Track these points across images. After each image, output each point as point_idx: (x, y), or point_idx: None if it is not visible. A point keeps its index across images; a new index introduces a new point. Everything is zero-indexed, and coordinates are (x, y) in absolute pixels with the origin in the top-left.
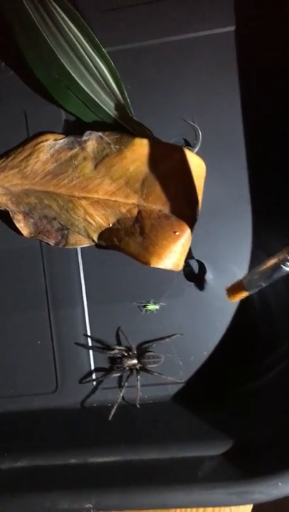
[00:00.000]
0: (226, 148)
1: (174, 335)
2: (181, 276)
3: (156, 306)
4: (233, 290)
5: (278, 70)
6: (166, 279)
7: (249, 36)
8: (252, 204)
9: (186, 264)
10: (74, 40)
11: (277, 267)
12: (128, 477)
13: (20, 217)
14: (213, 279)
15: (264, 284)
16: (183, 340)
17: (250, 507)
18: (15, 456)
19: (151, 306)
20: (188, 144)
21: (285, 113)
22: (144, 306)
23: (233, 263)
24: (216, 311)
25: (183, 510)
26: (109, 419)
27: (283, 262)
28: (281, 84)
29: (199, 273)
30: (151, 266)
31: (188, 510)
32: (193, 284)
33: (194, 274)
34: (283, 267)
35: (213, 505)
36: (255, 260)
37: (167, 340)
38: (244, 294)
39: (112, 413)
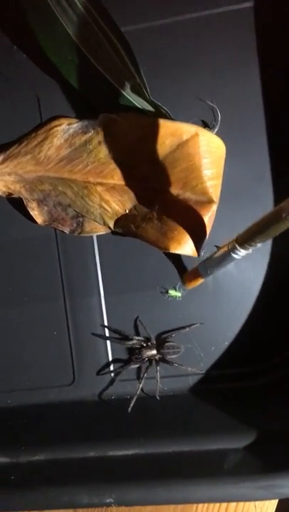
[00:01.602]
0: (246, 129)
1: (194, 324)
2: None
3: (179, 293)
4: (189, 277)
5: None
6: (185, 267)
7: (267, 12)
8: (273, 185)
9: (207, 251)
10: (89, 19)
11: (227, 255)
12: (149, 470)
13: (34, 204)
14: (234, 267)
15: (216, 271)
16: (203, 329)
17: (274, 504)
18: (32, 449)
19: (173, 293)
20: (206, 125)
21: None
22: (167, 292)
23: (254, 250)
24: (237, 300)
25: (205, 506)
26: (129, 411)
27: (232, 250)
28: None
29: None
30: (170, 251)
31: (211, 506)
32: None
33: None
34: (232, 254)
35: (240, 500)
36: (276, 246)
37: (187, 329)
38: (199, 281)
39: (131, 405)
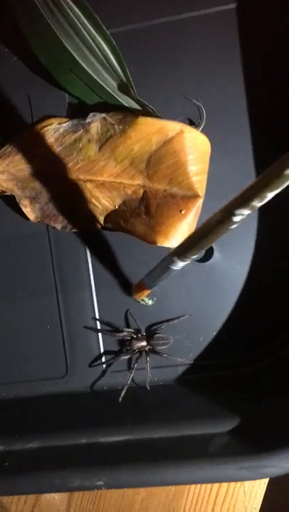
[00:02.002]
0: (230, 127)
1: (183, 316)
2: None
3: (150, 302)
4: (136, 289)
5: (280, 46)
6: None
7: (250, 13)
8: None
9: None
10: (76, 22)
11: (166, 268)
12: (138, 455)
13: (26, 202)
14: (220, 258)
15: (160, 282)
16: (191, 321)
17: (263, 490)
18: (26, 438)
19: (146, 300)
20: (192, 123)
21: None
22: (143, 300)
23: (239, 243)
24: (224, 292)
25: (196, 493)
26: (120, 401)
27: (170, 263)
28: (284, 61)
29: (206, 253)
30: (158, 245)
31: (202, 493)
32: (200, 264)
33: (201, 254)
34: (171, 267)
35: (225, 481)
36: (261, 239)
37: (176, 321)
38: (147, 292)
39: (122, 394)
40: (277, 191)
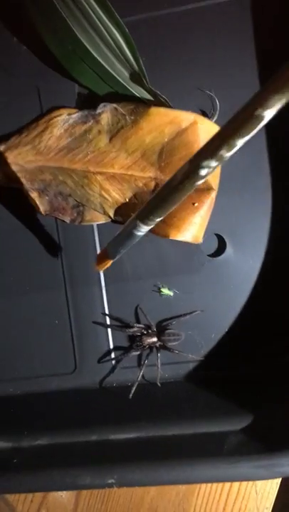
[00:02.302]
0: None
1: (195, 312)
2: (201, 251)
3: (171, 293)
4: (99, 259)
5: None
6: (185, 255)
7: (266, 1)
8: (272, 175)
9: (206, 239)
10: (89, 10)
11: (130, 234)
12: (151, 452)
13: (35, 194)
14: (233, 253)
15: (123, 251)
16: (203, 317)
17: (275, 489)
18: (35, 434)
19: (166, 291)
20: (205, 115)
21: None
22: (159, 289)
23: (253, 236)
24: (237, 287)
25: (207, 492)
26: (130, 397)
27: (134, 228)
28: None
29: (219, 248)
30: (170, 238)
31: (213, 491)
32: (213, 259)
33: (214, 248)
34: (135, 232)
35: (240, 480)
36: (275, 233)
37: (187, 317)
38: (109, 262)
39: (133, 391)
40: (247, 137)
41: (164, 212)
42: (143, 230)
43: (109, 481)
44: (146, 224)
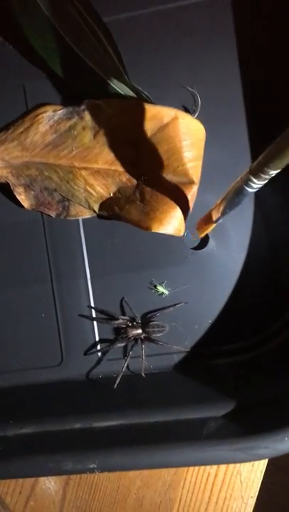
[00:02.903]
0: (225, 114)
1: (178, 304)
2: (184, 244)
3: (166, 291)
4: (201, 224)
5: (274, 33)
6: (168, 248)
7: (246, 1)
8: None
9: (188, 233)
10: (72, 10)
11: (240, 191)
12: (132, 438)
13: (21, 189)
14: (215, 246)
15: (229, 211)
16: (187, 309)
17: (260, 478)
18: (20, 424)
19: (161, 289)
20: (187, 110)
21: (284, 77)
22: (155, 287)
23: (235, 230)
24: (220, 279)
25: (192, 482)
26: (114, 387)
27: (246, 182)
28: (278, 48)
29: (202, 241)
30: (153, 231)
31: (198, 482)
32: (195, 252)
33: (197, 242)
34: (246, 187)
35: (218, 463)
36: (257, 226)
37: (171, 309)
38: (212, 226)
39: (117, 381)
40: None
41: (282, 164)
42: (255, 185)
43: (91, 466)
44: (259, 178)
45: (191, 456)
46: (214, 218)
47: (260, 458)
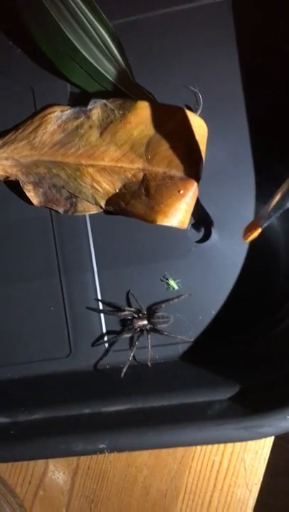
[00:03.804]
0: (227, 112)
1: (183, 295)
2: (188, 237)
3: (176, 286)
4: (247, 230)
5: (275, 34)
6: (172, 242)
7: (245, 2)
8: (254, 164)
9: (192, 226)
10: (78, 12)
11: (287, 193)
12: (139, 420)
13: (30, 187)
14: (218, 239)
15: (274, 215)
16: (191, 300)
17: (263, 465)
18: (31, 410)
19: (172, 283)
20: (189, 109)
21: (286, 77)
22: (167, 279)
23: (237, 222)
24: (223, 271)
25: (198, 468)
26: (122, 376)
27: None
28: (279, 48)
29: (205, 234)
30: (158, 223)
31: (204, 468)
32: (199, 245)
33: (200, 235)
34: None
35: (223, 441)
36: None
37: (176, 300)
38: (258, 231)
39: (124, 370)
40: None
41: None
42: None
43: (101, 446)
44: None
45: (197, 436)
46: (260, 224)
47: (263, 436)
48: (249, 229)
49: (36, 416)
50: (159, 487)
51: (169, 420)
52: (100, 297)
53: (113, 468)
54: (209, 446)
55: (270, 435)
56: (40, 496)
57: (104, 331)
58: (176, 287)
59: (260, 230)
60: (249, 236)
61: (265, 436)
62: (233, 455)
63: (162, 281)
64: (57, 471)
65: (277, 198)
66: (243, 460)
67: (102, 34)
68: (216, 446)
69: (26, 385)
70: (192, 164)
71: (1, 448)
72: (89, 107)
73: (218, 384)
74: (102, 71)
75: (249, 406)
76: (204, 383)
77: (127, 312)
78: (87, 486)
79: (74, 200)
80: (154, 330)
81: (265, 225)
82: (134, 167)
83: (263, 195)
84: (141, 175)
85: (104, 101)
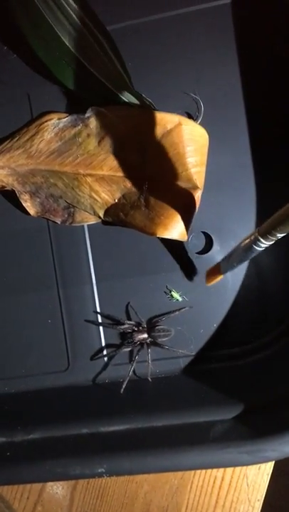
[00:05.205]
0: (228, 120)
1: (183, 308)
2: (189, 249)
3: (180, 298)
4: (210, 274)
5: (276, 39)
6: (173, 253)
7: (246, 7)
8: (255, 173)
9: (193, 237)
10: (75, 17)
11: (249, 248)
12: (139, 442)
13: (26, 196)
14: (220, 250)
15: (236, 265)
16: (192, 313)
17: (266, 482)
18: (28, 429)
19: (175, 295)
20: (190, 117)
21: (286, 82)
22: (170, 291)
23: (238, 233)
24: (225, 283)
25: (199, 485)
26: (121, 392)
27: (255, 242)
28: (280, 54)
29: (206, 245)
30: (158, 236)
31: (205, 485)
32: (200, 256)
33: (201, 246)
34: (254, 246)
35: (225, 466)
36: None
37: (177, 313)
38: (220, 277)
39: (124, 386)
40: None
41: (286, 230)
42: (263, 245)
43: (99, 470)
44: (267, 239)
45: (199, 460)
46: (222, 271)
47: (267, 460)
48: (211, 273)
49: (33, 436)
50: (160, 503)
51: (170, 443)
52: (98, 310)
53: (113, 484)
54: None
55: (274, 459)
56: (39, 511)
57: (103, 344)
58: (179, 299)
59: (221, 276)
60: (210, 281)
61: (269, 460)
62: (236, 471)
63: (166, 293)
64: (56, 486)
65: (240, 251)
66: (246, 476)
67: (99, 40)
68: None
69: (23, 400)
70: (193, 174)
71: None
72: (87, 114)
73: (220, 402)
74: (100, 77)
75: (252, 427)
76: (206, 400)
77: (126, 325)
78: (86, 502)
79: (72, 210)
80: (154, 343)
81: (226, 272)
82: (134, 177)
83: (264, 205)
84: (140, 185)
85: (102, 109)
